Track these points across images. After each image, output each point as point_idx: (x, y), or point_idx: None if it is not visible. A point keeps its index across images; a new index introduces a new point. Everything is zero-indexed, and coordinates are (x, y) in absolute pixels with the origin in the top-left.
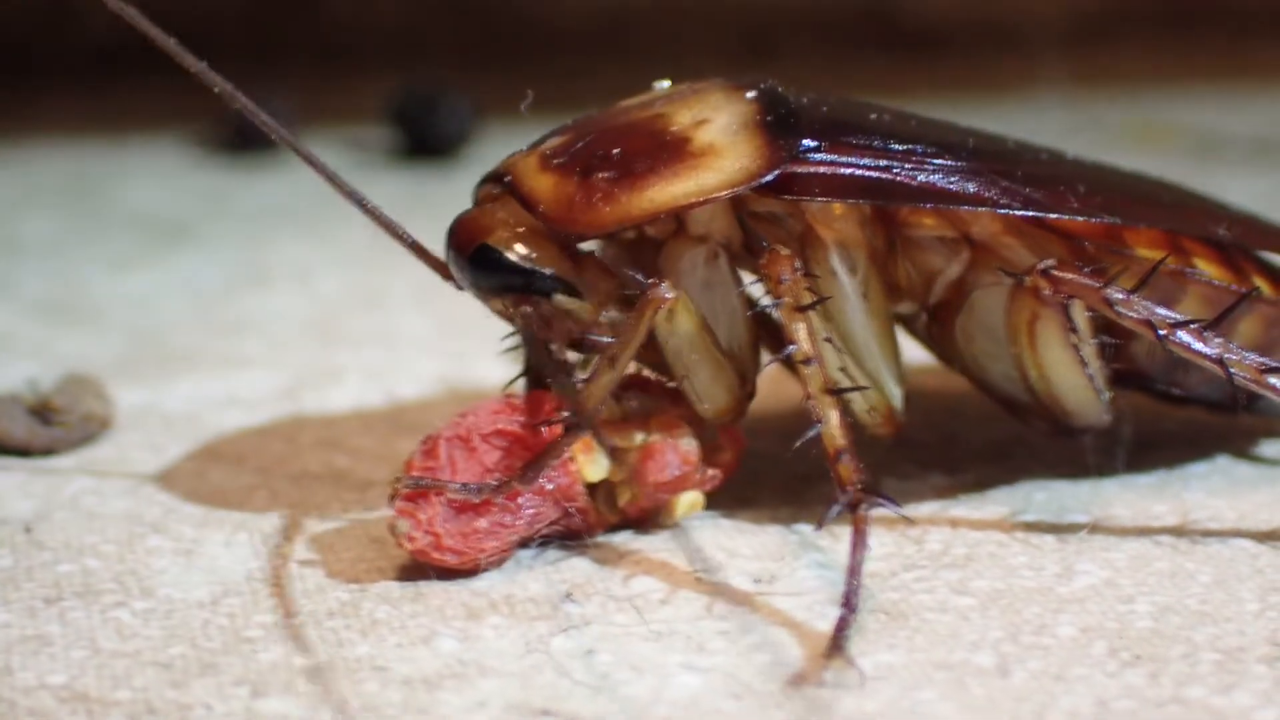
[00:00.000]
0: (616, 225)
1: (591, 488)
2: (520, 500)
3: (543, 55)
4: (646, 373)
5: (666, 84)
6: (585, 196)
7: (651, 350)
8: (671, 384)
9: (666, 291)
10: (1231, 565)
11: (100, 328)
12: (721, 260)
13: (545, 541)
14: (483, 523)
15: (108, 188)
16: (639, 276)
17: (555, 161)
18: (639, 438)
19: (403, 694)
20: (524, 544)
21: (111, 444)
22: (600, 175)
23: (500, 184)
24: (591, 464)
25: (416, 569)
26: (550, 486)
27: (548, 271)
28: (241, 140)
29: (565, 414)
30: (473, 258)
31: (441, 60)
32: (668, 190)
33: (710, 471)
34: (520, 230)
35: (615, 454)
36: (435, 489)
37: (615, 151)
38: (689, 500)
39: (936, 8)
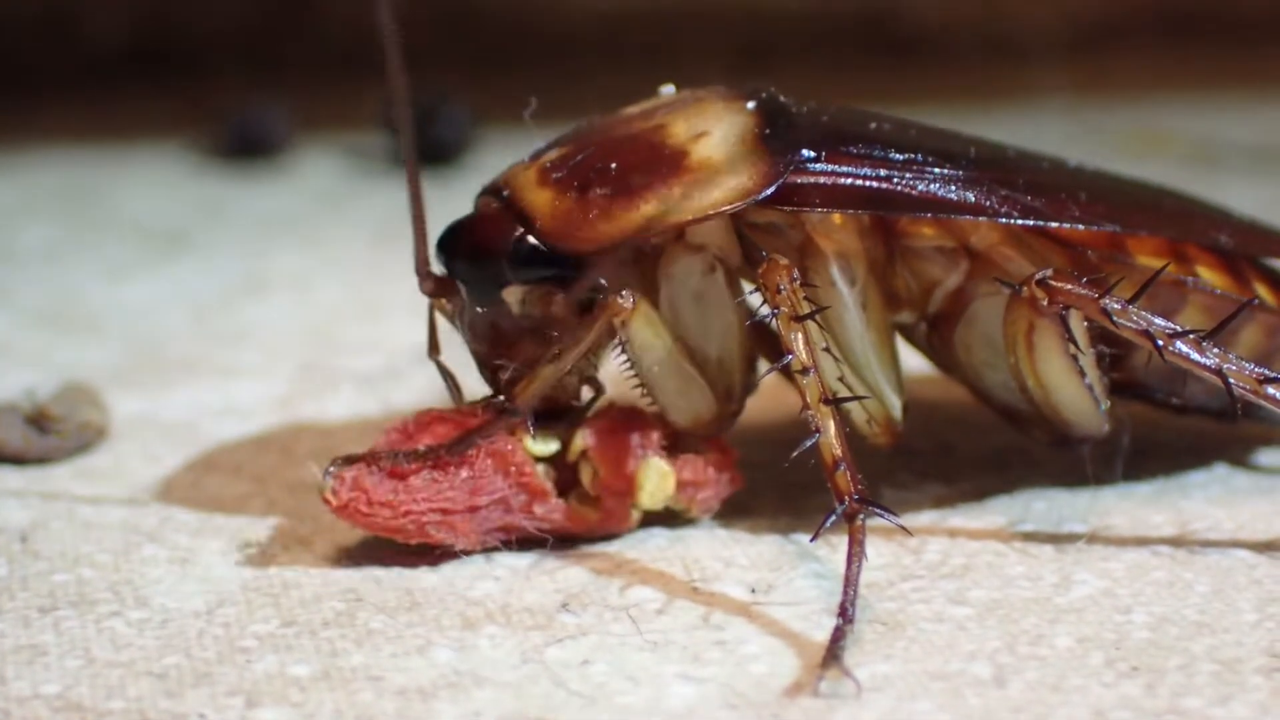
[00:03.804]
0: (612, 242)
1: (562, 486)
2: (454, 466)
3: (541, 62)
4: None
5: (671, 89)
6: (582, 213)
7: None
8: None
9: (624, 300)
10: (1229, 575)
11: (97, 337)
12: (718, 273)
13: (526, 544)
14: (415, 480)
15: (106, 196)
16: (605, 284)
17: (554, 176)
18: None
19: (397, 704)
20: (509, 541)
21: (108, 453)
22: (597, 191)
23: (499, 197)
24: (534, 440)
25: (412, 578)
26: (485, 444)
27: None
28: (240, 148)
29: (499, 399)
30: (517, 242)
31: (440, 68)
32: (664, 207)
33: (689, 457)
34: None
35: (566, 436)
36: (366, 460)
37: (613, 166)
38: (657, 470)
39: (936, 15)
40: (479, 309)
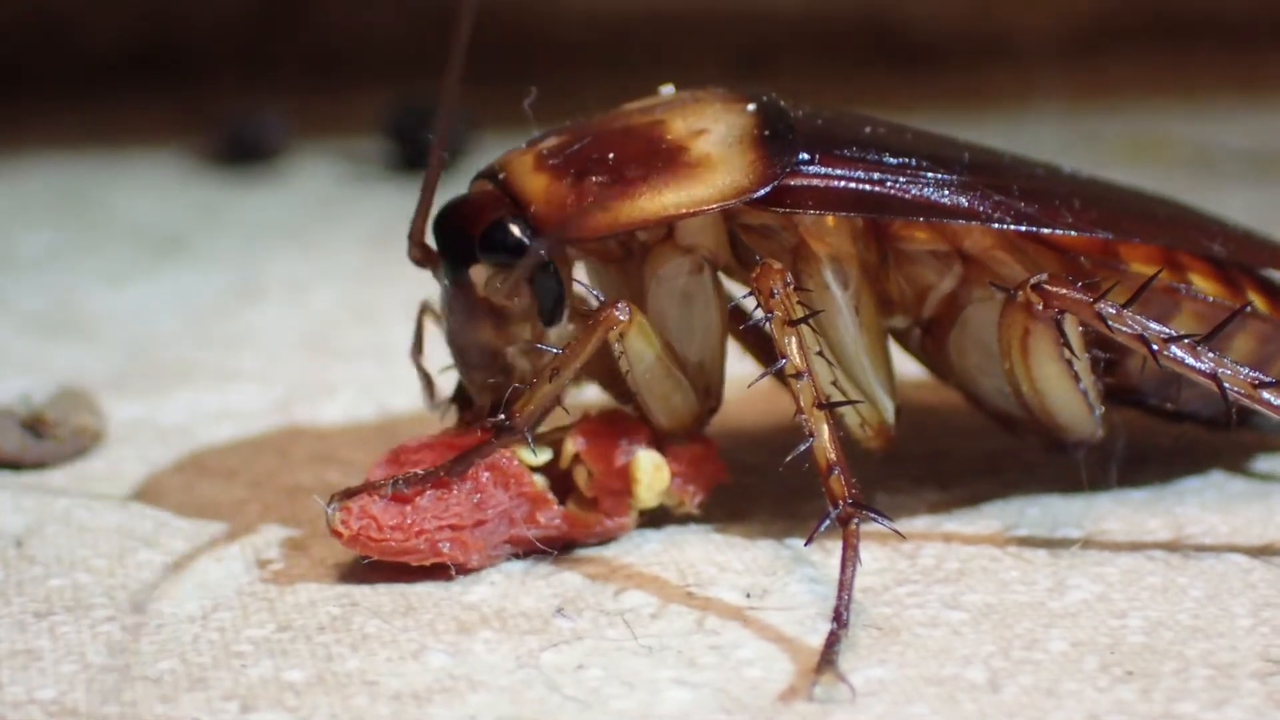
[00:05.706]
0: (605, 231)
1: (560, 491)
2: (456, 484)
3: (540, 68)
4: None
5: (671, 89)
6: (576, 200)
7: (602, 366)
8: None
9: (621, 313)
10: (1224, 580)
11: (94, 341)
12: (705, 274)
13: (531, 552)
14: (422, 500)
15: (102, 201)
16: (599, 295)
17: (550, 162)
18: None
19: (392, 708)
20: (517, 554)
21: (103, 458)
22: (593, 179)
23: (494, 180)
24: (527, 451)
25: (407, 583)
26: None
27: (551, 263)
28: (236, 153)
29: (499, 417)
30: (487, 228)
31: (437, 73)
32: (659, 199)
33: (677, 449)
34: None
35: (555, 444)
36: (367, 491)
37: (610, 156)
38: (650, 462)
39: (934, 21)
40: (449, 286)
